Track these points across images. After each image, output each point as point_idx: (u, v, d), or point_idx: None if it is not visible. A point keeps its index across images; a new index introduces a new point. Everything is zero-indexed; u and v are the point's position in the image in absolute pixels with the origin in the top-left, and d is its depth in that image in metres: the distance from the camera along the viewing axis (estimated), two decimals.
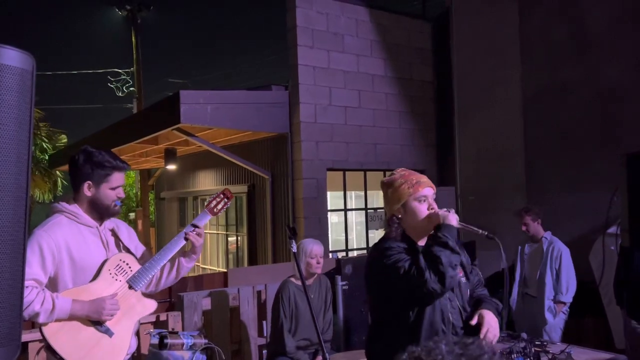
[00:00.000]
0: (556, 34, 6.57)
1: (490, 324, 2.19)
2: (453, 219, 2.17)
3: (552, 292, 4.87)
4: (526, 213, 5.01)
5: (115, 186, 2.38)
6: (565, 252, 4.91)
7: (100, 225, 2.40)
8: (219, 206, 2.64)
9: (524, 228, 5.00)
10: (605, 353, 3.72)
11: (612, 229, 3.87)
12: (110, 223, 2.47)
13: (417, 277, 2.03)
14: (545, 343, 3.77)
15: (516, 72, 6.99)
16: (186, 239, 2.50)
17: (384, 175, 8.02)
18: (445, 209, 2.21)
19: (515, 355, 3.32)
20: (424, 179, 2.29)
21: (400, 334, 2.15)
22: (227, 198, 2.65)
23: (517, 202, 5.84)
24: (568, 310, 4.96)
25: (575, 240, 5.86)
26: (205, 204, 2.66)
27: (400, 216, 2.25)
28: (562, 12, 6.57)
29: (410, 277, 2.05)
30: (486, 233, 2.26)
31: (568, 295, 4.86)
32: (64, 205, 2.36)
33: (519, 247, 5.25)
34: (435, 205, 2.25)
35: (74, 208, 2.35)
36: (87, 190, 2.35)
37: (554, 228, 6.38)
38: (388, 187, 2.32)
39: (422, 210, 2.22)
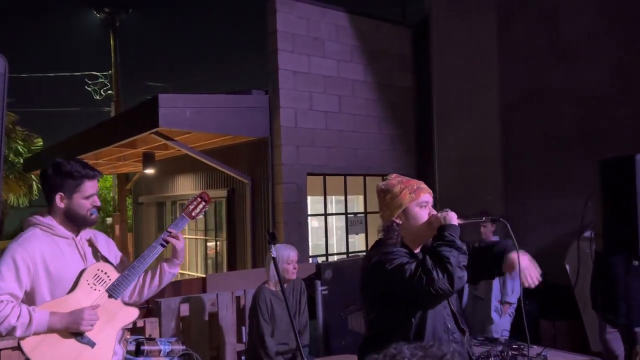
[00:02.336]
0: (534, 41, 6.68)
1: (526, 265, 2.16)
2: (454, 218, 2.14)
3: (498, 294, 5.06)
4: (487, 216, 5.12)
5: (89, 195, 2.34)
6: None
7: (76, 236, 2.36)
8: (197, 210, 2.60)
9: (482, 229, 5.10)
10: (580, 356, 3.77)
11: (587, 233, 3.95)
12: (87, 233, 2.43)
13: (425, 279, 1.97)
14: (522, 347, 3.81)
15: (495, 78, 7.09)
16: (166, 243, 2.46)
17: (364, 180, 8.06)
18: (444, 210, 2.18)
19: (492, 358, 3.35)
20: (423, 184, 2.27)
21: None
22: (205, 201, 2.61)
23: (495, 207, 5.91)
24: (514, 312, 5.10)
25: (552, 245, 5.94)
26: (183, 208, 2.62)
27: (400, 222, 2.20)
28: (540, 20, 6.69)
29: (417, 279, 1.98)
30: (490, 217, 2.25)
31: (513, 297, 5.05)
32: (38, 218, 2.32)
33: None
34: (434, 211, 2.22)
35: (49, 220, 2.31)
36: (60, 201, 2.31)
37: (532, 232, 6.47)
38: (387, 193, 2.25)
39: (424, 215, 2.19)
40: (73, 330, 2.20)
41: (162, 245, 2.46)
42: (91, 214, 2.36)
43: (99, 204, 2.41)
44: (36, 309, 2.16)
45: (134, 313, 2.41)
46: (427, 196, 2.22)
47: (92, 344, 2.24)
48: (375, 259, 2.14)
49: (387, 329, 2.14)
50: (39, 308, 2.17)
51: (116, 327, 2.34)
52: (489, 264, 2.28)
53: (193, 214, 2.59)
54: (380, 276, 2.10)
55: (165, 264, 2.53)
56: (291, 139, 7.08)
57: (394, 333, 2.07)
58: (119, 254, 2.58)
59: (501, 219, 2.22)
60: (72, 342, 2.21)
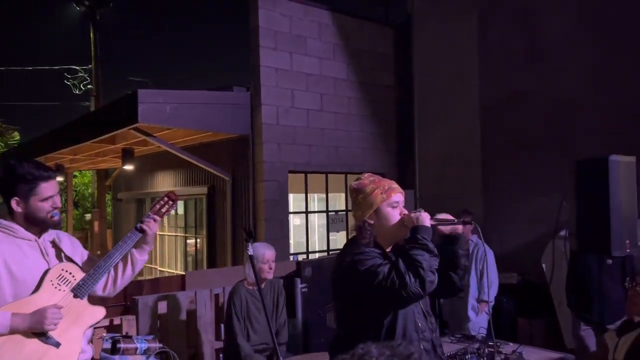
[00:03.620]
0: (513, 43, 6.77)
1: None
2: (426, 219, 2.15)
3: (476, 292, 5.11)
4: (469, 214, 5.19)
5: (46, 197, 2.26)
6: (490, 254, 5.17)
7: (39, 237, 2.31)
8: (164, 209, 2.58)
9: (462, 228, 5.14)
10: (555, 353, 3.84)
11: (562, 232, 4.02)
12: (50, 235, 2.37)
13: (397, 282, 1.98)
14: (498, 344, 3.86)
15: (475, 79, 7.17)
16: (142, 230, 2.44)
17: (346, 179, 8.08)
18: (417, 210, 2.19)
19: (469, 355, 3.39)
20: (395, 184, 2.27)
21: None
22: (172, 200, 2.59)
23: (474, 207, 5.97)
24: (491, 310, 5.17)
25: (529, 244, 6.03)
26: (151, 207, 2.60)
27: (372, 222, 2.20)
28: (519, 23, 6.78)
29: (390, 282, 1.99)
30: (462, 220, 2.27)
31: (490, 295, 5.10)
32: (0, 221, 2.27)
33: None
34: (405, 211, 2.23)
35: (10, 223, 2.26)
36: (17, 206, 2.25)
37: (510, 231, 6.56)
38: (359, 193, 2.26)
39: (395, 215, 2.20)
40: (37, 330, 2.16)
41: (140, 231, 2.44)
42: (52, 216, 2.29)
43: (59, 205, 2.33)
44: None
45: (100, 313, 2.37)
46: (398, 196, 2.23)
47: (57, 345, 2.20)
48: (348, 260, 2.14)
49: (358, 329, 2.14)
50: (1, 309, 2.12)
51: (82, 327, 2.30)
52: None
53: (161, 212, 2.57)
54: (353, 278, 2.11)
55: (135, 251, 2.49)
56: (273, 137, 7.06)
57: (364, 332, 2.07)
58: (85, 252, 2.53)
59: (472, 222, 2.24)
60: (36, 342, 2.17)
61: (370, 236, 2.17)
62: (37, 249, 2.30)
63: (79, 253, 2.48)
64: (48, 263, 2.30)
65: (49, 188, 2.28)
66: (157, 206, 2.58)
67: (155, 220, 2.49)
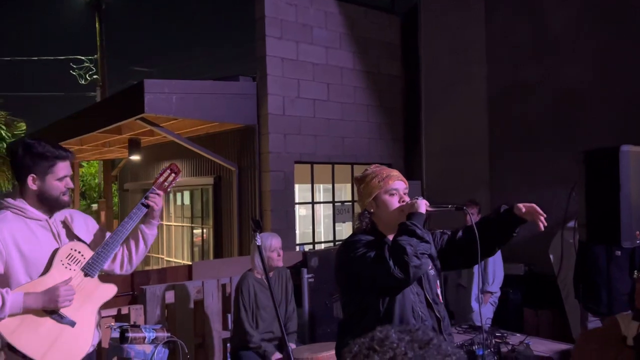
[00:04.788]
0: (519, 34, 6.71)
1: (534, 209, 2.17)
2: (422, 205, 2.17)
3: (480, 283, 5.12)
4: (475, 205, 5.19)
5: (62, 176, 2.29)
6: None
7: (49, 217, 2.32)
8: (167, 183, 2.57)
9: (468, 218, 5.13)
10: (562, 344, 3.83)
11: (570, 224, 3.99)
12: (61, 214, 2.39)
13: (380, 268, 2.04)
14: (505, 335, 3.86)
15: (481, 69, 7.11)
16: (147, 206, 2.46)
17: (352, 169, 8.06)
18: (415, 198, 2.22)
19: (476, 346, 3.39)
20: (395, 172, 2.31)
21: (370, 330, 2.13)
22: (175, 173, 2.57)
23: (480, 198, 5.95)
24: (497, 301, 5.16)
25: (535, 235, 6.00)
26: (152, 181, 2.59)
27: (372, 210, 2.27)
28: (525, 13, 6.71)
29: (376, 268, 2.06)
30: (455, 206, 2.28)
31: (494, 286, 5.13)
32: (8, 200, 2.27)
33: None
34: (407, 199, 2.25)
35: (20, 203, 2.26)
36: (32, 183, 2.25)
37: None
38: (360, 183, 2.33)
39: (393, 203, 2.23)
40: (50, 308, 2.17)
41: (146, 206, 2.46)
42: (64, 195, 2.31)
43: (72, 185, 2.36)
44: (9, 290, 2.12)
45: (111, 291, 2.38)
46: (396, 184, 2.26)
47: (72, 324, 2.22)
48: (343, 246, 2.26)
49: (357, 312, 2.22)
50: (13, 290, 2.14)
51: (95, 304, 2.32)
52: (495, 230, 2.28)
53: (164, 185, 2.56)
54: (346, 263, 2.21)
55: (143, 226, 2.52)
56: (278, 127, 7.04)
57: (363, 316, 2.17)
58: (97, 228, 2.54)
59: (464, 208, 2.25)
60: (51, 322, 2.19)
61: (367, 224, 2.26)
62: (48, 229, 2.31)
63: (92, 231, 2.49)
64: (58, 243, 2.31)
65: (65, 168, 2.30)
66: (160, 179, 2.57)
67: (159, 195, 2.50)
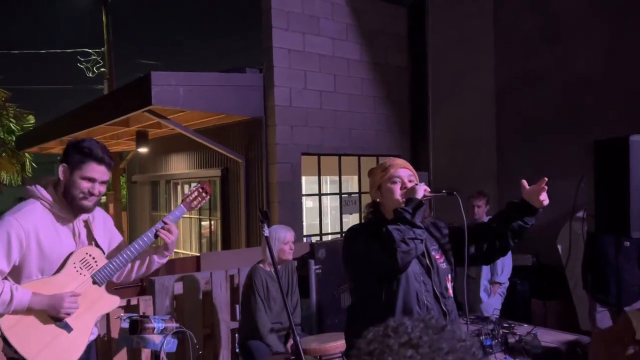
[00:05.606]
0: (528, 23, 6.65)
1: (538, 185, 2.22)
2: (419, 191, 2.19)
3: (488, 274, 5.11)
4: (483, 196, 5.18)
5: (89, 176, 2.22)
6: None
7: (75, 217, 2.31)
8: (196, 202, 2.55)
9: (476, 209, 5.13)
10: (570, 334, 3.83)
11: (579, 214, 3.97)
12: (85, 214, 2.36)
13: (372, 254, 2.14)
14: (512, 325, 3.86)
15: (489, 60, 7.06)
16: (157, 236, 2.42)
17: (359, 161, 8.05)
18: (415, 184, 2.25)
19: (483, 337, 3.40)
20: (399, 161, 2.35)
21: (374, 317, 2.14)
22: (206, 193, 2.56)
23: (489, 189, 5.92)
24: (505, 291, 5.16)
25: (544, 225, 5.97)
26: (182, 197, 2.58)
27: (378, 200, 2.31)
28: (534, 2, 6.64)
29: (369, 254, 2.15)
30: (445, 191, 2.27)
31: (503, 276, 5.13)
32: (40, 190, 2.25)
33: None
34: (410, 185, 2.26)
35: (49, 197, 2.25)
36: (62, 173, 2.25)
37: None
38: (369, 176, 2.40)
39: (395, 190, 2.26)
40: (51, 314, 2.19)
41: (155, 236, 2.42)
42: (84, 198, 2.24)
43: (98, 192, 2.27)
44: (19, 287, 2.14)
45: (114, 302, 2.40)
46: (398, 171, 2.28)
47: (69, 329, 2.23)
48: (347, 233, 2.37)
49: (362, 298, 2.29)
50: (22, 287, 2.15)
51: (96, 313, 2.34)
52: (510, 219, 2.26)
53: (192, 205, 2.54)
54: (348, 250, 2.29)
55: (155, 256, 2.50)
56: (285, 119, 7.03)
57: (368, 302, 2.23)
58: (117, 235, 2.53)
59: (454, 193, 2.24)
60: (49, 325, 2.20)
61: (369, 213, 2.33)
62: (70, 227, 2.31)
63: (110, 235, 2.49)
64: (77, 244, 2.31)
65: (96, 170, 2.24)
66: (190, 197, 2.54)
67: (172, 231, 2.43)
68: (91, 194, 2.25)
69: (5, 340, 2.15)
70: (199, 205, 2.57)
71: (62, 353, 2.21)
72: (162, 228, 2.41)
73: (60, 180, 2.26)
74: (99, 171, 2.25)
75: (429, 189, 2.22)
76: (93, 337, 2.40)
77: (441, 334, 0.83)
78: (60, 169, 2.25)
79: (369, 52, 7.87)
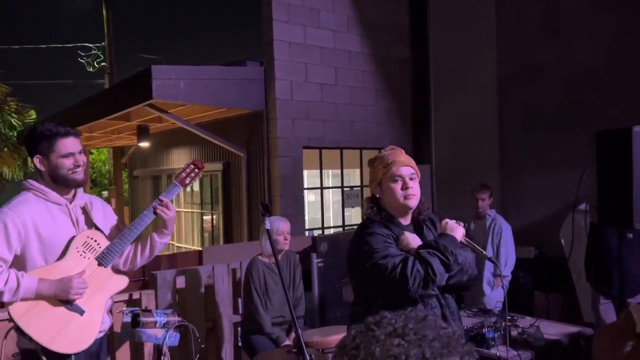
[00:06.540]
0: (531, 15, 6.60)
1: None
2: (459, 233, 2.18)
3: (491, 266, 5.09)
4: (487, 189, 5.16)
5: (65, 153, 2.26)
6: (506, 229, 5.11)
7: (70, 202, 2.33)
8: (189, 178, 2.55)
9: (480, 202, 5.11)
10: (572, 326, 3.82)
11: (582, 206, 3.96)
12: (82, 200, 2.39)
13: (399, 281, 2.02)
14: (515, 318, 3.86)
15: (492, 52, 7.01)
16: (155, 213, 2.43)
17: (361, 154, 8.03)
18: (457, 222, 2.22)
19: (486, 329, 3.39)
20: (401, 157, 2.25)
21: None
22: (198, 168, 2.56)
23: (491, 181, 5.91)
24: (507, 284, 5.16)
25: (547, 218, 5.98)
26: (175, 175, 2.59)
27: (378, 195, 2.26)
28: None
29: (391, 279, 2.04)
30: (486, 254, 2.29)
31: (506, 270, 5.09)
32: (31, 182, 2.30)
33: (465, 224, 5.39)
34: (412, 185, 2.20)
35: (41, 186, 2.29)
36: (40, 164, 2.27)
37: (527, 206, 6.48)
38: (370, 166, 2.33)
39: (396, 190, 2.20)
40: (61, 298, 2.20)
41: (154, 213, 2.43)
42: (73, 172, 2.28)
43: (80, 162, 2.31)
44: (25, 274, 2.15)
45: (123, 281, 2.40)
46: (401, 169, 2.21)
47: (81, 312, 2.24)
48: (357, 236, 2.22)
49: (365, 297, 2.22)
50: (28, 274, 2.16)
51: (105, 295, 2.34)
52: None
53: (186, 181, 2.55)
54: (359, 257, 2.17)
55: (155, 234, 2.51)
56: (286, 112, 7.01)
57: (372, 303, 2.13)
58: (115, 218, 2.55)
59: (492, 259, 2.33)
60: (61, 309, 2.21)
61: (372, 209, 2.24)
62: (67, 213, 2.32)
63: (109, 220, 2.49)
64: (76, 229, 2.32)
65: (68, 144, 2.28)
66: (183, 174, 2.55)
67: (169, 207, 2.44)
68: (76, 166, 2.30)
69: (18, 328, 2.15)
70: (193, 182, 2.57)
71: (78, 335, 2.22)
72: (159, 204, 2.42)
73: (42, 171, 2.29)
74: (71, 143, 2.29)
75: (464, 233, 2.22)
76: (105, 326, 2.40)
77: (424, 322, 0.85)
78: (36, 160, 2.28)
79: (371, 44, 7.83)
